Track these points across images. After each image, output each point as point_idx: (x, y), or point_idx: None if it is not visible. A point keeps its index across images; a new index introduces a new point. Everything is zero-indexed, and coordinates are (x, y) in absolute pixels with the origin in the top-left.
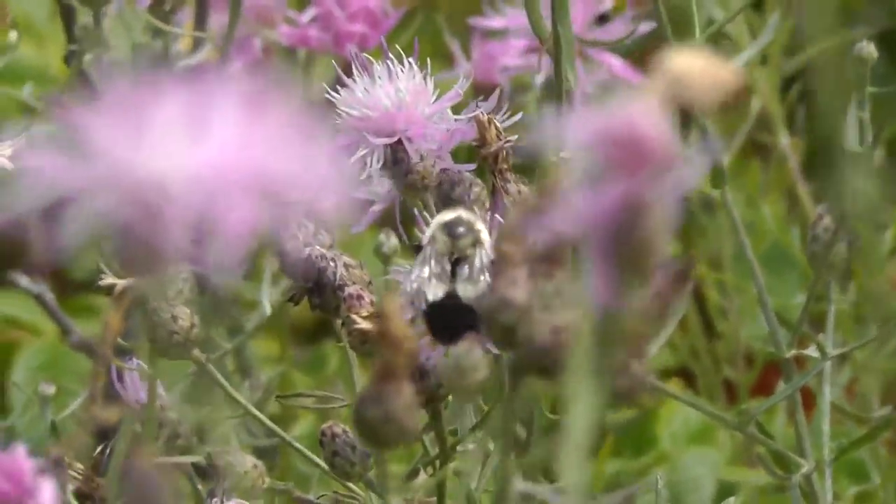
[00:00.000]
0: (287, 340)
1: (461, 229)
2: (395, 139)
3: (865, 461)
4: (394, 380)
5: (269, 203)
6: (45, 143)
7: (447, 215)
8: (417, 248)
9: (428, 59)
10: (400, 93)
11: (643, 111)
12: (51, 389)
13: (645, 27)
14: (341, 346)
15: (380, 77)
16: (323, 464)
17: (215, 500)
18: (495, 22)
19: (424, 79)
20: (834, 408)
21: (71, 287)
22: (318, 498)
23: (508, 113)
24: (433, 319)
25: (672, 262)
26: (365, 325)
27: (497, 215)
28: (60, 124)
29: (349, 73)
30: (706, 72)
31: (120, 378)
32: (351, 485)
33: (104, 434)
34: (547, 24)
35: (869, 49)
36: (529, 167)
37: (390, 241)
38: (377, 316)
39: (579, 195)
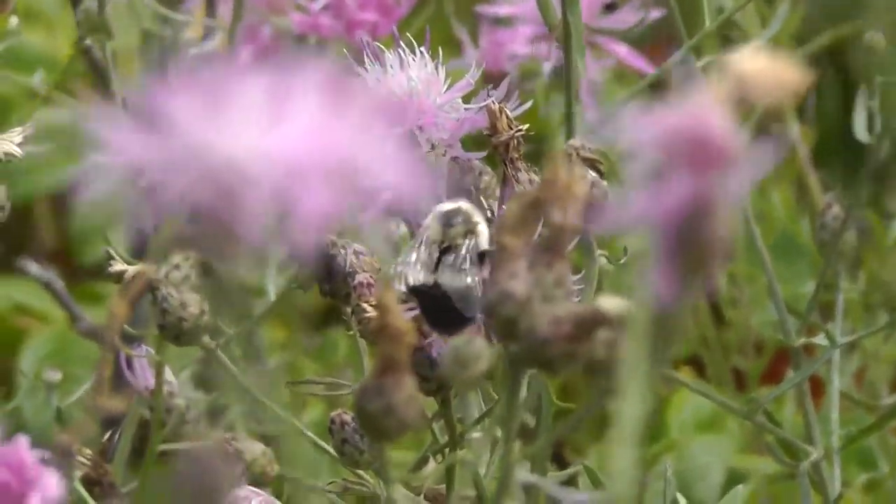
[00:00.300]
0: (295, 327)
1: (457, 219)
2: (407, 128)
3: (874, 449)
4: (394, 372)
5: (345, 188)
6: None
7: (447, 205)
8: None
9: (439, 48)
10: (412, 82)
11: (709, 110)
12: (56, 376)
13: (654, 15)
14: (351, 333)
15: (391, 66)
16: (332, 451)
17: None
18: (502, 9)
19: (436, 68)
20: (843, 396)
21: (80, 274)
22: (327, 485)
23: (518, 101)
24: (421, 306)
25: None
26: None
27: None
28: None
29: (360, 61)
30: (771, 72)
31: (129, 365)
32: (360, 472)
33: (112, 420)
34: (556, 11)
35: (878, 38)
36: (540, 156)
37: (400, 229)
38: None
39: (644, 192)
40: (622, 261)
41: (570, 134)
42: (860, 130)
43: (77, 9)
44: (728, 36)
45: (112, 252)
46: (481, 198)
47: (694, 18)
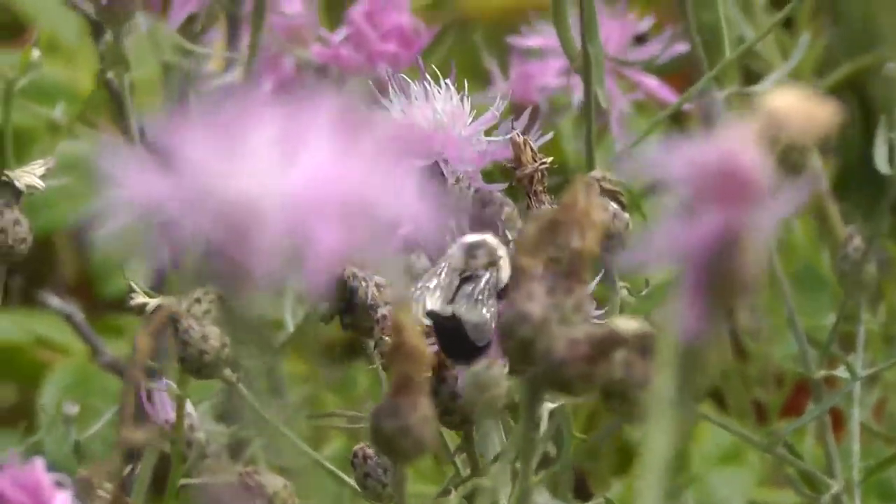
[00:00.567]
0: (315, 360)
1: (481, 251)
2: (432, 161)
3: (894, 481)
4: (410, 392)
5: (360, 227)
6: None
7: (473, 237)
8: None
9: (465, 80)
10: (437, 114)
11: (741, 145)
12: (75, 409)
13: (679, 47)
14: (373, 367)
15: (416, 98)
16: (354, 484)
17: None
18: (532, 41)
19: (462, 100)
20: (863, 428)
21: (101, 307)
22: None
23: (540, 132)
24: (436, 331)
25: None
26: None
27: None
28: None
29: (384, 93)
30: (802, 109)
31: (149, 398)
32: None
33: (132, 454)
34: (577, 43)
35: None
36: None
37: (420, 261)
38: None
39: (675, 224)
40: (643, 293)
41: (590, 164)
42: (881, 162)
43: (100, 41)
44: (749, 66)
45: (133, 285)
46: (505, 230)
47: (714, 49)
